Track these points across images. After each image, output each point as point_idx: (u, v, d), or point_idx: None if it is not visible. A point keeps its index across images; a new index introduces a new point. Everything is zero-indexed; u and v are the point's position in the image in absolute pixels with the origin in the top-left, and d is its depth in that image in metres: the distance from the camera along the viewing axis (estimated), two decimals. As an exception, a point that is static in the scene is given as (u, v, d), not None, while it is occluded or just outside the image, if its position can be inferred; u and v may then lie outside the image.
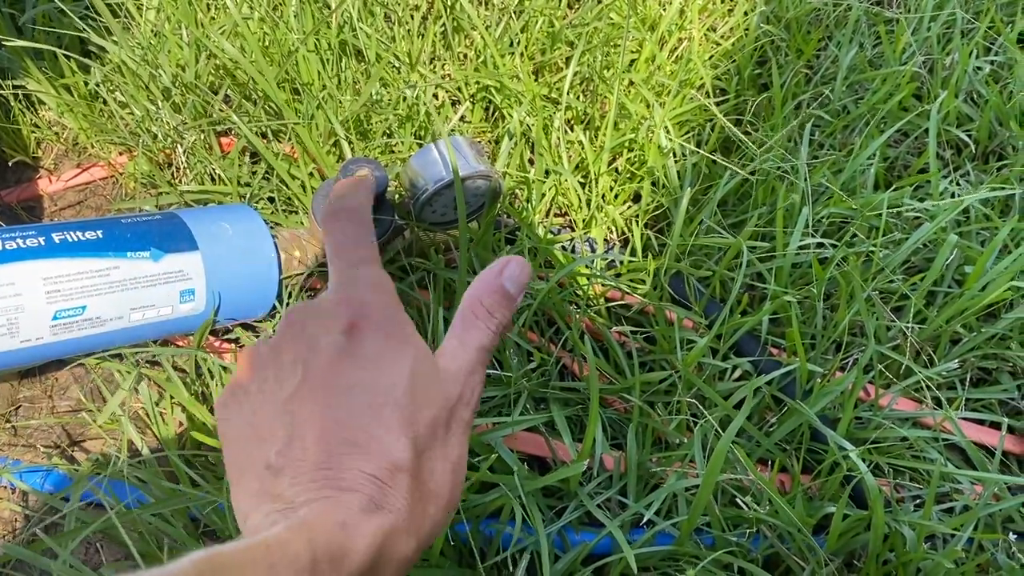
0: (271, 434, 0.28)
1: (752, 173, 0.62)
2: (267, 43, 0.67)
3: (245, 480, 0.28)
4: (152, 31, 0.68)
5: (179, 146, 0.63)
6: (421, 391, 0.29)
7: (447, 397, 0.30)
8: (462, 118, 0.70)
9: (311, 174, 0.61)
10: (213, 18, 0.72)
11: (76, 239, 0.41)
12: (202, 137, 0.63)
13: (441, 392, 0.30)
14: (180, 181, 0.65)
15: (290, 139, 0.61)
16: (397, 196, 0.57)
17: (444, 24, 0.75)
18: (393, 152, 0.65)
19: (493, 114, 0.73)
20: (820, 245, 0.59)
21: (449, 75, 0.74)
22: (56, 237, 0.41)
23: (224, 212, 0.48)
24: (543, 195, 0.61)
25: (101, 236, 0.42)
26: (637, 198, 0.67)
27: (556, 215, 0.67)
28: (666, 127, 0.63)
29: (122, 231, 0.43)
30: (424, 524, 0.28)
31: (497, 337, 0.33)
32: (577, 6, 0.83)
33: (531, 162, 0.68)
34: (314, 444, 0.27)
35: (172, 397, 0.51)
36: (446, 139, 0.52)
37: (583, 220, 0.64)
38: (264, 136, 0.64)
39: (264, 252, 0.48)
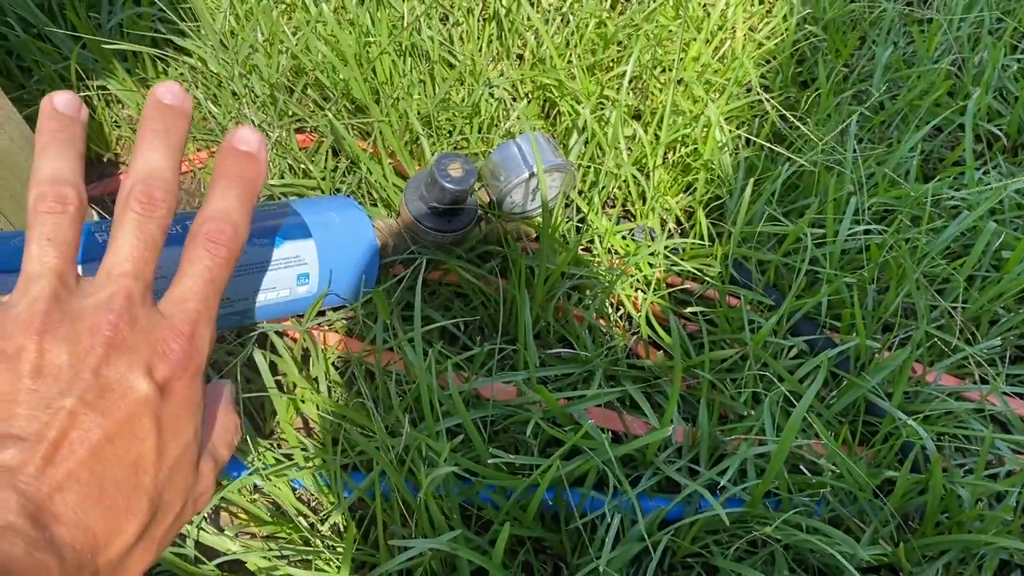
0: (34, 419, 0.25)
1: (803, 164, 0.67)
2: (338, 42, 0.71)
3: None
4: (230, 31, 0.72)
5: (261, 142, 0.66)
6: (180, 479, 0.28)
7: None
8: (517, 116, 0.74)
9: (392, 170, 0.65)
10: (288, 19, 0.76)
11: (210, 227, 0.45)
12: (283, 134, 0.66)
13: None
14: (262, 175, 0.69)
15: (372, 137, 0.65)
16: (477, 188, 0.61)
17: (499, 23, 0.79)
18: (460, 149, 0.69)
19: (548, 112, 0.77)
20: (867, 232, 0.63)
21: (502, 72, 0.78)
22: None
23: (330, 203, 0.52)
24: (606, 186, 0.65)
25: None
26: (686, 189, 0.71)
27: (612, 207, 0.71)
28: (720, 123, 0.67)
29: (247, 220, 0.47)
30: None
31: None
32: (620, 7, 0.87)
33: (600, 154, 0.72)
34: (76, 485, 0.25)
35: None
36: (530, 134, 0.56)
37: (641, 212, 0.68)
38: (340, 133, 0.68)
39: (367, 240, 0.52)
